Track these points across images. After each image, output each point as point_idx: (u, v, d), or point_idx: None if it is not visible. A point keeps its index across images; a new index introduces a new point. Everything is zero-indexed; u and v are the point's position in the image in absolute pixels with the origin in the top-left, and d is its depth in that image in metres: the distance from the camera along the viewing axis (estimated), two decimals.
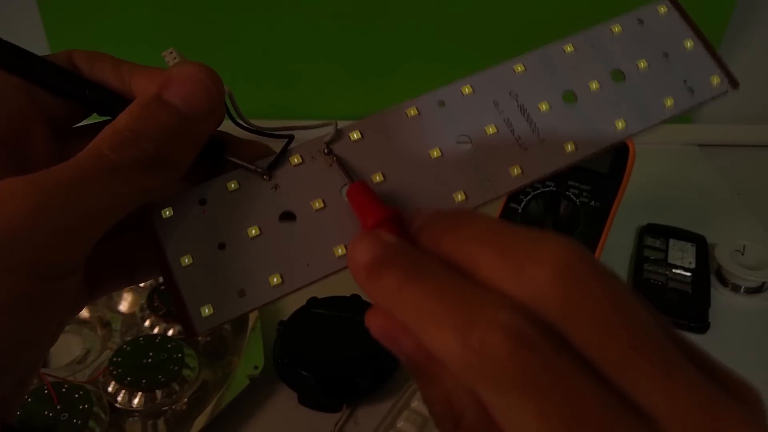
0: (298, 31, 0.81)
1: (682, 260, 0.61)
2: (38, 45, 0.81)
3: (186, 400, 0.47)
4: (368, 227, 0.22)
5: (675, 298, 0.57)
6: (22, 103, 0.24)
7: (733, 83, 0.25)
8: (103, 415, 0.44)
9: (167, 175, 0.23)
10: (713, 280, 0.60)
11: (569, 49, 0.26)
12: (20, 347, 0.21)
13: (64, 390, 0.44)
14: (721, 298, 0.59)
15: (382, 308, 0.20)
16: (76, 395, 0.44)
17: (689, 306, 0.56)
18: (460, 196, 0.24)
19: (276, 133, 0.26)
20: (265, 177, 0.25)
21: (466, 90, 0.25)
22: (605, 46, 0.26)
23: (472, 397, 0.19)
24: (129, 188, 0.22)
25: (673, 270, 0.60)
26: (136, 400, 0.46)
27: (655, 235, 0.64)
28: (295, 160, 0.25)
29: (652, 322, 0.17)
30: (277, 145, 0.26)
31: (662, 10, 0.26)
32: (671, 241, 0.63)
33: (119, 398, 0.46)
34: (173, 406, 0.47)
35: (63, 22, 0.80)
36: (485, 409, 0.18)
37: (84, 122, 0.27)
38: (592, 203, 0.56)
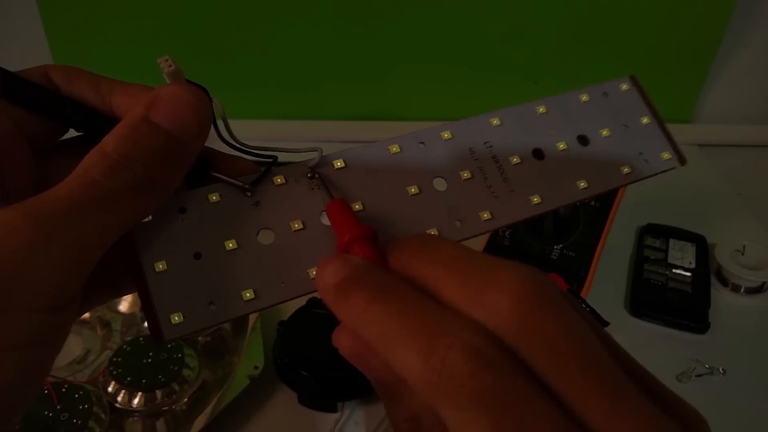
0: (298, 32, 0.81)
1: (682, 260, 0.61)
2: (38, 45, 0.81)
3: (186, 400, 0.47)
4: (345, 243, 0.22)
5: (675, 298, 0.57)
6: (2, 124, 0.23)
7: (681, 160, 0.29)
8: (103, 415, 0.44)
9: (159, 198, 0.23)
10: (713, 280, 0.60)
11: (542, 110, 0.28)
12: (33, 382, 0.21)
13: (64, 390, 0.44)
14: (721, 298, 0.59)
15: (349, 328, 0.20)
16: (76, 395, 0.44)
17: (689, 306, 0.56)
18: (432, 233, 0.25)
19: (260, 153, 0.26)
20: (247, 193, 0.25)
21: (446, 135, 0.27)
22: (573, 112, 0.28)
23: (438, 417, 0.19)
24: (122, 214, 0.21)
25: (673, 270, 0.60)
26: (136, 400, 0.46)
27: (655, 235, 0.64)
28: (279, 180, 0.25)
29: (602, 350, 0.18)
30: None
31: (624, 87, 0.30)
32: (671, 241, 0.63)
33: (119, 398, 0.46)
34: (173, 406, 0.47)
35: (63, 23, 0.80)
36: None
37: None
38: (592, 203, 0.56)
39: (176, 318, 0.23)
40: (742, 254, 0.61)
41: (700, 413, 0.19)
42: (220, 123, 0.25)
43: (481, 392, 0.16)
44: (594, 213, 0.56)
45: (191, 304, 0.23)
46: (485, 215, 0.26)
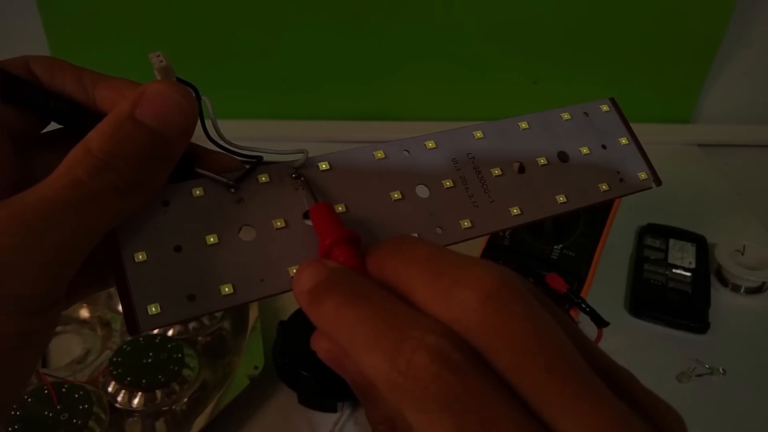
0: (298, 32, 0.81)
1: (682, 260, 0.61)
2: (38, 44, 0.81)
3: (186, 400, 0.47)
4: (326, 246, 0.22)
5: (675, 298, 0.57)
6: None
7: (657, 181, 0.30)
8: (103, 415, 0.44)
9: (143, 197, 0.23)
10: (713, 280, 0.60)
11: (524, 125, 0.29)
12: (19, 382, 0.21)
13: (64, 390, 0.44)
14: (721, 298, 0.59)
15: (324, 333, 0.20)
16: (76, 395, 0.44)
17: (689, 306, 0.56)
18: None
19: (245, 153, 0.26)
20: (231, 189, 0.25)
21: (430, 144, 0.28)
22: (555, 129, 0.29)
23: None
24: (107, 213, 0.21)
25: (673, 270, 0.60)
26: (136, 400, 0.46)
27: (655, 235, 0.64)
28: (263, 179, 0.26)
29: (571, 349, 0.18)
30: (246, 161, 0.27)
31: (605, 108, 0.31)
32: (671, 241, 0.63)
33: (119, 398, 0.46)
34: (173, 406, 0.47)
35: (63, 22, 0.80)
36: None
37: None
38: None
39: (153, 309, 0.22)
40: (742, 254, 0.61)
41: (677, 412, 0.19)
42: (208, 122, 0.25)
43: (445, 394, 0.16)
44: (594, 213, 0.56)
45: (169, 295, 0.23)
46: (466, 223, 0.26)
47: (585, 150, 0.29)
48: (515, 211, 0.27)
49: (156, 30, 0.81)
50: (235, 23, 0.80)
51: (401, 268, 0.20)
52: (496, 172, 0.28)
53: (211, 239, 0.24)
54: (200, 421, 0.45)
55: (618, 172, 0.29)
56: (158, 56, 0.23)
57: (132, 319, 0.22)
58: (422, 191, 0.27)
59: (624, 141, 0.30)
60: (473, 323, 0.18)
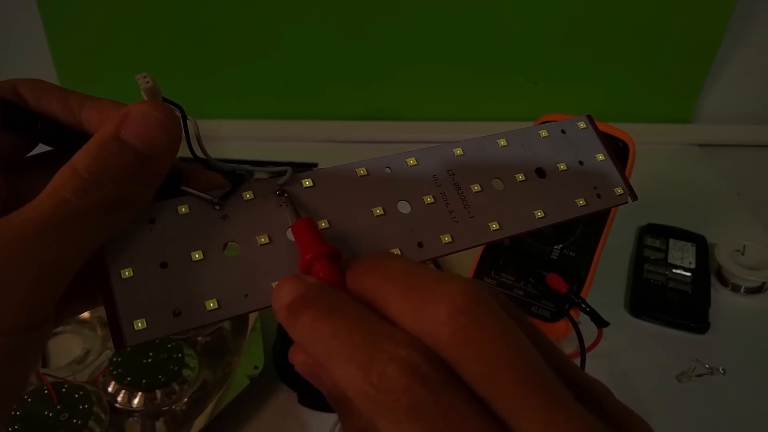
0: (299, 33, 0.81)
1: (682, 260, 0.61)
2: (38, 45, 0.81)
3: (186, 400, 0.47)
4: (307, 261, 0.23)
5: (675, 298, 0.57)
6: None
7: (633, 196, 0.30)
8: (103, 415, 0.44)
9: (129, 215, 0.23)
10: (713, 280, 0.60)
11: (503, 143, 0.30)
12: (11, 398, 0.21)
13: (64, 390, 0.44)
14: (721, 298, 0.59)
15: (302, 345, 0.21)
16: (76, 395, 0.44)
17: (689, 306, 0.56)
18: (395, 252, 0.26)
19: (230, 168, 0.27)
20: (216, 206, 0.25)
21: (411, 161, 0.28)
22: (533, 147, 0.30)
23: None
24: (93, 232, 0.22)
25: (673, 270, 0.60)
26: (136, 400, 0.46)
27: (655, 235, 0.64)
28: (248, 196, 0.26)
29: (539, 360, 0.18)
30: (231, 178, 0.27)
31: (582, 125, 0.31)
32: (671, 241, 0.63)
33: (119, 398, 0.46)
34: (173, 406, 0.47)
35: (63, 23, 0.80)
36: None
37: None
38: None
39: (139, 324, 0.23)
40: (742, 254, 0.61)
41: (647, 423, 0.19)
42: (194, 141, 0.26)
43: (415, 406, 0.17)
44: (594, 213, 0.56)
45: (155, 311, 0.23)
46: (446, 238, 0.27)
47: (562, 166, 0.30)
48: (494, 226, 0.28)
49: (157, 30, 0.80)
50: (235, 24, 0.80)
51: (378, 283, 0.20)
52: (476, 188, 0.28)
53: (197, 256, 0.24)
54: (200, 421, 0.45)
55: (595, 188, 0.30)
56: (144, 77, 0.24)
57: (118, 334, 0.23)
58: (404, 207, 0.27)
59: (600, 157, 0.30)
60: (444, 336, 0.18)
